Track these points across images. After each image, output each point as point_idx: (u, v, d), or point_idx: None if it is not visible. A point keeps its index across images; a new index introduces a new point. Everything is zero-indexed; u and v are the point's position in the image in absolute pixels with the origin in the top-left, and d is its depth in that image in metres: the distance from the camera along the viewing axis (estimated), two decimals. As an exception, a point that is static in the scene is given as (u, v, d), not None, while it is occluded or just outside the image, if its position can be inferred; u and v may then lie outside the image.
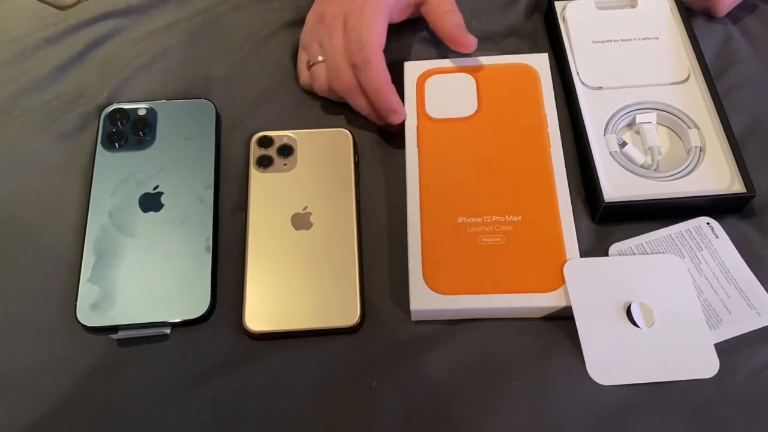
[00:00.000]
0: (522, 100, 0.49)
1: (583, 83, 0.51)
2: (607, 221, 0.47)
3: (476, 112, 0.49)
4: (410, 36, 0.55)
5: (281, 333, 0.43)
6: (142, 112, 0.51)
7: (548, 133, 0.48)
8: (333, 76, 0.49)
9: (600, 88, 0.51)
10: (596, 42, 0.53)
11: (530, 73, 0.51)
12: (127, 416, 0.41)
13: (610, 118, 0.49)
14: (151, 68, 0.54)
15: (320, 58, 0.50)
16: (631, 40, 0.53)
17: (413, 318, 0.43)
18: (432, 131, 0.49)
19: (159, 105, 0.52)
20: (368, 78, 0.47)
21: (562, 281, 0.43)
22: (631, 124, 0.50)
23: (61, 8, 0.57)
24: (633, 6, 0.54)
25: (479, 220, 0.45)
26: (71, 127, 0.51)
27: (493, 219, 0.45)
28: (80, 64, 0.54)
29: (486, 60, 0.51)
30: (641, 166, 0.48)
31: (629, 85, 0.51)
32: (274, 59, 0.55)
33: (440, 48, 0.54)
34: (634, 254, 0.45)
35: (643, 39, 0.53)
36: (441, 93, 0.50)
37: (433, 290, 0.43)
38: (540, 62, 0.51)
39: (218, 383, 0.42)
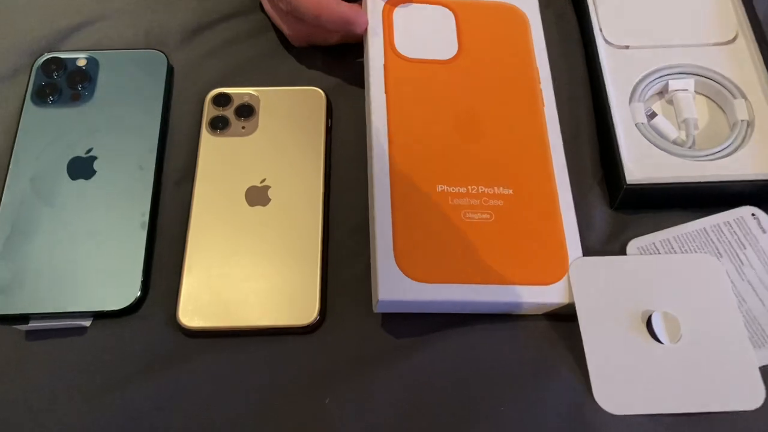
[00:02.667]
0: (510, 49, 0.41)
1: (606, 41, 0.42)
2: (628, 208, 0.39)
3: (456, 55, 0.41)
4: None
5: (222, 330, 0.36)
6: (81, 63, 0.44)
7: (541, 89, 0.40)
8: (286, 34, 0.43)
9: (627, 47, 0.42)
10: (624, -8, 0.44)
11: (519, 17, 0.43)
12: (28, 420, 0.34)
13: (638, 84, 0.41)
14: (100, 13, 0.46)
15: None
16: (667, -10, 0.44)
17: (379, 310, 0.35)
18: (403, 72, 0.40)
19: (102, 55, 0.44)
20: (302, 11, 0.39)
21: (564, 272, 0.35)
22: (662, 92, 0.42)
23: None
24: (671, -50, 0.45)
25: (463, 190, 0.37)
26: (-1, 77, 0.44)
27: (480, 190, 0.37)
28: (17, 4, 0.47)
29: None
30: (673, 142, 0.40)
31: (662, 44, 0.42)
32: (241, 2, 0.47)
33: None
34: (659, 252, 0.37)
35: (683, -11, 0.44)
36: (414, 27, 0.41)
37: (407, 276, 0.34)
38: (529, 5, 0.43)
39: (141, 387, 0.35)
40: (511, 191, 0.37)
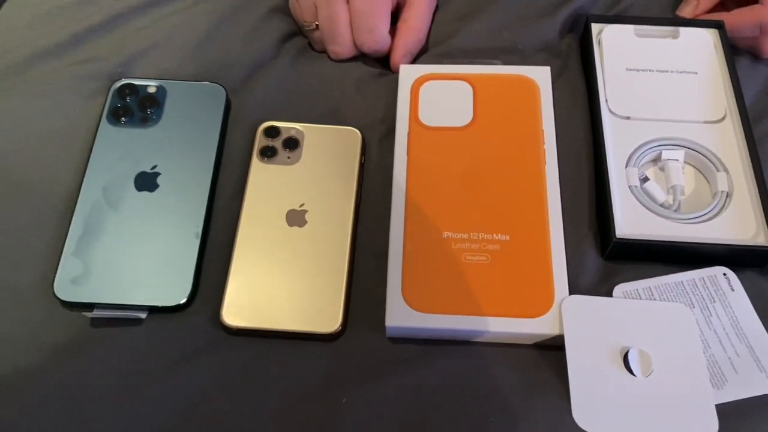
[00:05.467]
0: (519, 114, 0.47)
1: (610, 111, 0.48)
2: (617, 258, 0.44)
3: (471, 122, 0.47)
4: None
5: (258, 331, 0.41)
6: (151, 90, 0.50)
7: (544, 150, 0.46)
8: (331, 43, 0.52)
9: (628, 118, 0.48)
10: (630, 70, 0.50)
11: (530, 86, 0.48)
12: (87, 397, 0.39)
13: (635, 151, 0.47)
14: (169, 46, 0.53)
15: (314, 25, 0.52)
16: (667, 71, 0.50)
17: (388, 334, 0.41)
18: (423, 139, 0.47)
19: (170, 84, 0.50)
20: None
21: (549, 307, 0.41)
22: (656, 160, 0.47)
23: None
24: (674, 37, 0.52)
25: (465, 236, 0.43)
26: (79, 97, 0.50)
27: (480, 236, 0.43)
28: (97, 34, 0.53)
29: (485, 69, 0.50)
30: (661, 205, 0.45)
31: (660, 118, 0.48)
32: (294, 51, 0.53)
33: (439, 57, 0.53)
34: (641, 298, 0.42)
35: (681, 72, 0.50)
36: (436, 100, 0.48)
37: (410, 307, 0.41)
38: (541, 75, 0.49)
39: (184, 375, 0.40)
40: (507, 237, 0.43)
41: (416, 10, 0.52)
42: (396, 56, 0.51)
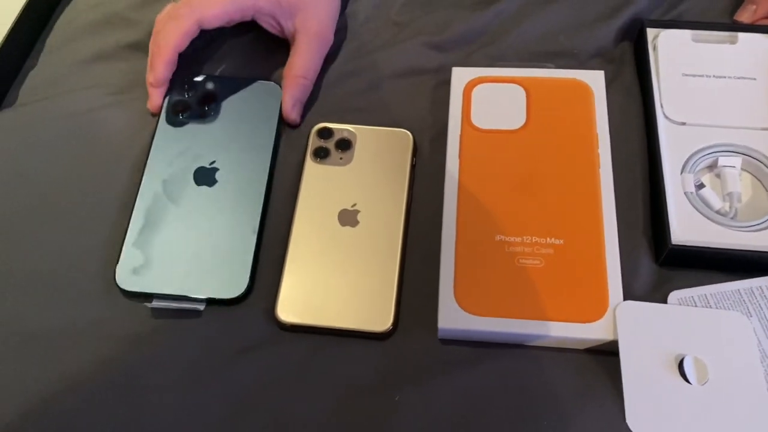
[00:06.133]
0: (573, 117, 0.47)
1: (666, 116, 0.48)
2: (672, 265, 0.44)
3: (524, 125, 0.47)
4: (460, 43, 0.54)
5: (311, 327, 0.42)
6: (209, 86, 0.51)
7: (598, 154, 0.46)
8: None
9: (684, 123, 0.48)
10: (686, 75, 0.50)
11: (584, 90, 0.48)
12: (146, 386, 0.41)
13: (690, 157, 0.46)
14: (227, 44, 0.54)
15: None
16: (725, 77, 0.49)
17: (440, 336, 0.42)
18: (476, 142, 0.47)
19: (227, 81, 0.51)
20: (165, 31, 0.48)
21: (603, 313, 0.40)
22: (712, 166, 0.47)
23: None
24: (732, 42, 0.51)
25: (518, 239, 0.43)
26: (140, 94, 0.51)
27: (534, 240, 0.43)
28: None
29: (538, 72, 0.49)
30: (717, 212, 0.45)
31: (716, 124, 0.47)
32: (347, 53, 0.54)
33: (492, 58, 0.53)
34: (696, 305, 0.42)
35: (739, 78, 0.49)
36: (489, 103, 0.48)
37: (463, 309, 0.41)
38: (596, 79, 0.49)
39: (240, 368, 0.41)
40: (561, 241, 0.43)
41: (300, 58, 0.50)
42: (286, 108, 0.50)
